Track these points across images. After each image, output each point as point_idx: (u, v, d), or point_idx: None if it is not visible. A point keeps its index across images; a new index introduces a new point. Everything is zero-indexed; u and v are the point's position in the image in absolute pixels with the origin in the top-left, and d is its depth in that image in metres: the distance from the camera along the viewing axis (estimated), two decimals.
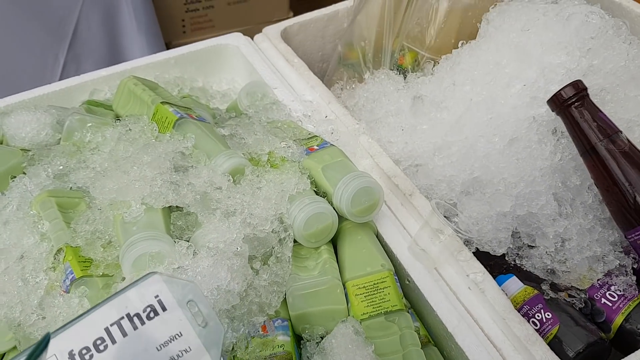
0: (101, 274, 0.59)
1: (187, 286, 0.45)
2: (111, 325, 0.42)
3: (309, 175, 0.69)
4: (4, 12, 1.38)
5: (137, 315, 0.43)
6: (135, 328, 0.42)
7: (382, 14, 0.88)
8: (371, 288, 0.61)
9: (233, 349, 0.57)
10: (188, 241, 0.62)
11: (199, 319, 0.44)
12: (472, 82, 0.74)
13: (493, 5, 0.80)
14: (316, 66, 1.10)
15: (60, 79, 1.54)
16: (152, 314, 0.43)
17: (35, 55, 1.48)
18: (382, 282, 0.61)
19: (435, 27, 0.82)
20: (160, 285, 0.44)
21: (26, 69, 1.49)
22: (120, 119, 0.76)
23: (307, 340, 0.59)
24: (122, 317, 0.42)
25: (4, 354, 0.60)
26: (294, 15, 2.03)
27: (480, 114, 0.72)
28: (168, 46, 1.81)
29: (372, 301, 0.60)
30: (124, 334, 0.42)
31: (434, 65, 0.81)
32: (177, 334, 0.43)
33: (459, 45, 0.79)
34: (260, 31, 1.05)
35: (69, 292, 0.58)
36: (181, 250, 0.57)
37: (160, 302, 0.43)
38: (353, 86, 0.90)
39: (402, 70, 0.86)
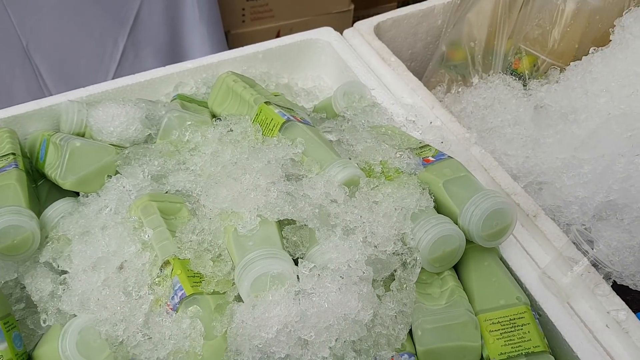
0: (212, 291, 0.54)
1: None
2: None
3: (429, 191, 0.62)
4: None
5: None
6: None
7: (494, 13, 0.81)
8: (507, 324, 0.54)
9: None
10: (301, 259, 0.56)
11: None
12: (608, 94, 0.67)
13: (627, 10, 0.73)
14: (405, 65, 1.03)
15: (118, 65, 1.51)
16: None
17: (95, 39, 1.45)
18: (519, 318, 0.54)
19: (560, 30, 0.75)
20: None
21: (85, 53, 1.47)
22: (219, 117, 0.71)
23: None
24: None
25: None
26: (355, 8, 1.98)
27: (620, 130, 0.64)
28: (227, 35, 1.77)
29: (510, 339, 0.53)
30: None
31: (560, 72, 0.74)
32: None
33: (590, 51, 0.72)
34: (319, 23, 0.98)
35: (176, 311, 0.53)
36: (304, 271, 0.51)
37: None
38: (459, 90, 0.84)
39: (518, 75, 0.79)
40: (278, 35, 1.89)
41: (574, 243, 0.61)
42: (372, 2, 2.21)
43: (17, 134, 0.78)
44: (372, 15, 1.00)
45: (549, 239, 0.64)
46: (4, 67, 1.38)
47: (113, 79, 1.51)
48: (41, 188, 0.73)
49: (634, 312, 0.61)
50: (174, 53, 1.61)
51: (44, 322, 0.56)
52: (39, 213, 0.66)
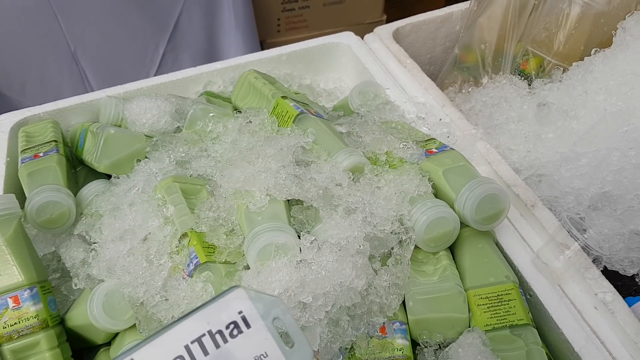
0: (224, 260, 0.59)
1: (273, 302, 0.41)
2: (192, 342, 0.38)
3: (429, 178, 0.67)
4: None
5: (220, 332, 0.39)
6: (217, 346, 0.38)
7: (505, 17, 0.85)
8: (495, 299, 0.58)
9: (352, 347, 0.56)
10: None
11: (286, 338, 0.40)
12: (606, 92, 0.70)
13: (630, 13, 0.76)
14: (424, 69, 1.07)
15: (158, 69, 1.58)
16: (235, 331, 0.39)
17: (138, 43, 1.52)
18: (506, 294, 0.58)
19: (565, 33, 0.79)
20: (244, 300, 0.40)
21: (127, 56, 1.54)
22: (241, 110, 0.78)
23: (425, 347, 0.58)
24: (204, 334, 0.38)
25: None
26: (387, 18, 2.03)
27: (615, 126, 0.68)
28: (262, 44, 1.83)
29: (496, 313, 0.57)
30: (205, 353, 0.38)
31: (563, 72, 0.78)
32: (262, 354, 0.39)
33: (592, 52, 0.75)
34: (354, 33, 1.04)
35: (192, 277, 0.58)
36: (305, 243, 0.56)
37: (244, 319, 0.39)
38: (469, 90, 0.88)
39: (525, 76, 0.83)
40: None
41: (567, 230, 0.64)
42: (405, 13, 2.25)
43: (60, 126, 0.86)
44: None
45: (544, 227, 0.67)
46: (53, 70, 1.48)
47: None
48: (79, 173, 0.80)
49: (624, 296, 0.64)
50: (210, 58, 1.67)
51: (75, 286, 0.63)
52: (75, 193, 0.73)
